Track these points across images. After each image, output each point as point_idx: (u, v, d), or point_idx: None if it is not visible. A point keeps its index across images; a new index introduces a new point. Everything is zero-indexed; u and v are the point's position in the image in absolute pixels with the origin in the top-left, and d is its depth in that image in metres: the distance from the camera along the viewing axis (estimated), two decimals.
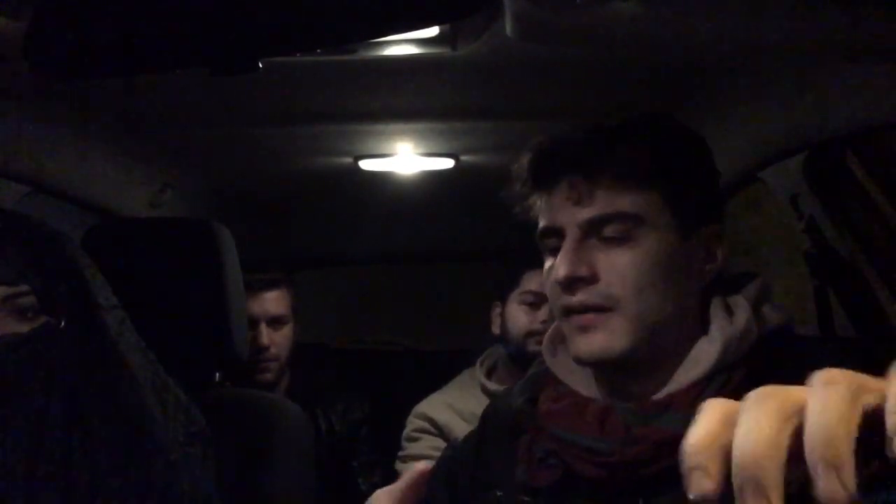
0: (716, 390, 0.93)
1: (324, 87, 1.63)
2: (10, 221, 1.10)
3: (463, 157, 2.24)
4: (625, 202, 0.95)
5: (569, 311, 0.97)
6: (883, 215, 1.59)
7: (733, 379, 0.94)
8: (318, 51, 1.35)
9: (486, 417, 1.22)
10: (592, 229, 0.96)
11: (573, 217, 0.96)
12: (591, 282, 0.95)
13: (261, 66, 0.89)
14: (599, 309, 0.95)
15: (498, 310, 2.08)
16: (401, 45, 1.38)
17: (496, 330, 2.09)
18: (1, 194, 1.68)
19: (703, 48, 1.19)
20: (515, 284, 2.01)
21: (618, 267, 0.94)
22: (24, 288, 1.03)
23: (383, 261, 3.36)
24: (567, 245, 0.96)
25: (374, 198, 2.67)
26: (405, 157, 2.24)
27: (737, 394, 0.99)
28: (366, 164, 2.28)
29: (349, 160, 2.25)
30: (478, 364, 2.10)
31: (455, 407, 2.01)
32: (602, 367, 1.00)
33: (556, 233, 0.98)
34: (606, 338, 0.95)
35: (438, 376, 2.16)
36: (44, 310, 1.04)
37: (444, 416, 2.00)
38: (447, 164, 2.28)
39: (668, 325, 0.96)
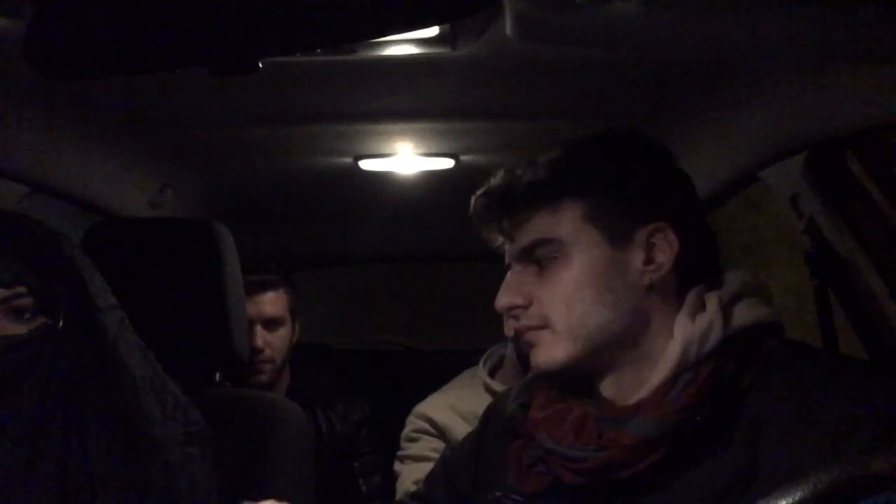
0: (681, 389, 0.95)
1: (324, 87, 1.62)
2: (9, 221, 1.10)
3: (463, 157, 2.23)
4: (544, 229, 1.03)
5: (518, 333, 1.08)
6: (883, 215, 1.59)
7: (699, 376, 0.95)
8: (318, 51, 1.35)
9: (487, 417, 1.22)
10: (526, 257, 1.06)
11: (509, 252, 1.09)
12: (527, 307, 1.05)
13: (261, 66, 0.89)
14: (537, 328, 1.04)
15: None
16: (401, 45, 1.38)
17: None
18: (1, 194, 1.67)
19: (703, 48, 1.19)
20: None
21: (547, 288, 1.03)
22: (21, 289, 1.03)
23: (383, 261, 3.36)
24: (507, 277, 1.08)
25: (374, 198, 2.67)
26: (405, 157, 2.23)
27: (703, 391, 1.01)
28: (366, 164, 2.27)
29: (349, 160, 2.25)
30: (481, 363, 2.08)
31: (455, 407, 2.00)
32: (557, 377, 1.07)
33: (509, 266, 1.10)
34: (545, 352, 1.04)
35: (438, 376, 2.15)
36: (41, 311, 1.04)
37: (443, 416, 1.99)
38: (447, 164, 2.28)
39: (610, 331, 1.01)
